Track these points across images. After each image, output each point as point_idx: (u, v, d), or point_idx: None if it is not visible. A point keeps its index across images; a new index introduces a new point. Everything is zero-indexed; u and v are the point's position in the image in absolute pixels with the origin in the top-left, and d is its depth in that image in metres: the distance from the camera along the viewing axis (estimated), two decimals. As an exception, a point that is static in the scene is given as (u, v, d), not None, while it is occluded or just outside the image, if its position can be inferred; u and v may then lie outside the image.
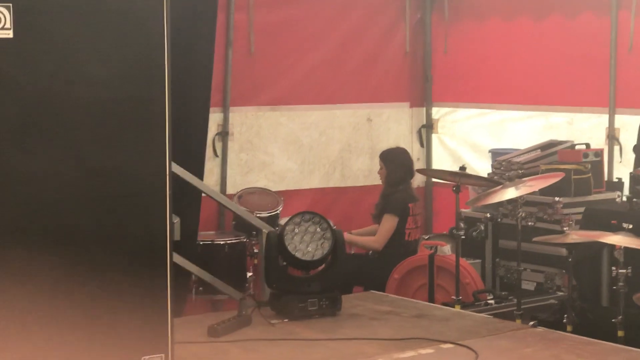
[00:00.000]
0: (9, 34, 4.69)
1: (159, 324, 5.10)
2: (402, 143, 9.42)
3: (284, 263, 6.27)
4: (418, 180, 9.60)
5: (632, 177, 7.09)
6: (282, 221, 7.70)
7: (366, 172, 9.20)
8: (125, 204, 4.99)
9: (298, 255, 6.17)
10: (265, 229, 6.74)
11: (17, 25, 4.70)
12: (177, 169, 5.23)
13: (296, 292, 6.16)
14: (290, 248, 6.16)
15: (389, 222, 8.24)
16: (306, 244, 6.21)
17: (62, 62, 4.83)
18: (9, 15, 4.69)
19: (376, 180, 8.70)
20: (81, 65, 4.87)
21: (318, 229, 6.27)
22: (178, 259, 5.34)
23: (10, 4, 4.68)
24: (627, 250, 6.20)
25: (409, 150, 9.17)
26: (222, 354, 5.47)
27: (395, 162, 8.50)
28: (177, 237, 5.21)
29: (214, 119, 8.29)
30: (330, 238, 6.25)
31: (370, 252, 8.20)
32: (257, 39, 8.87)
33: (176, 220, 5.17)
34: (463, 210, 7.85)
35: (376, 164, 8.72)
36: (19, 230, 4.76)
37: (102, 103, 4.91)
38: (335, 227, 6.37)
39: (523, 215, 7.28)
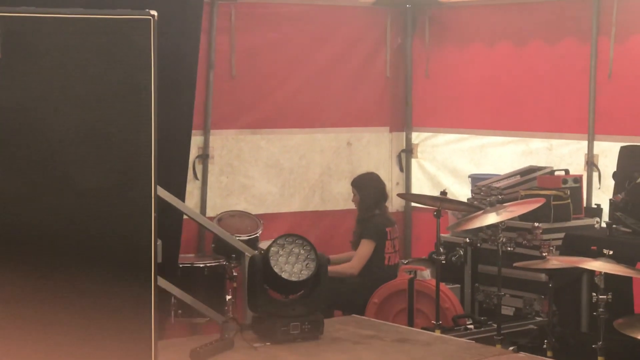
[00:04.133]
0: (-4, 55, 4.71)
1: (142, 348, 5.11)
2: (382, 167, 9.46)
3: (266, 287, 6.27)
4: (397, 204, 9.63)
5: (612, 203, 7.12)
6: (262, 244, 7.71)
7: (346, 196, 9.17)
8: (110, 225, 5.00)
9: (284, 276, 6.17)
10: (248, 252, 6.72)
11: (6, 45, 4.71)
12: (160, 191, 5.22)
13: (279, 315, 6.16)
14: (276, 269, 6.16)
15: (366, 247, 8.25)
16: (291, 265, 6.22)
17: (50, 84, 4.84)
18: (-3, 35, 4.70)
19: (353, 206, 8.71)
20: (69, 86, 4.88)
21: (302, 251, 6.28)
22: (160, 281, 5.32)
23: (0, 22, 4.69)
24: (608, 276, 6.21)
25: (387, 176, 9.22)
26: (204, 377, 5.47)
27: (367, 187, 8.51)
28: (159, 259, 5.19)
29: (195, 141, 8.27)
30: (314, 259, 6.27)
31: (348, 277, 8.20)
32: (239, 62, 8.89)
33: (158, 242, 5.16)
34: (442, 235, 7.87)
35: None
36: (3, 250, 4.78)
37: (89, 124, 4.93)
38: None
39: (504, 240, 7.33)
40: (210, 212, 8.69)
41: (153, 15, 5.03)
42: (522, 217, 7.44)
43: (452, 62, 9.52)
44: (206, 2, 7.95)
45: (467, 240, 8.07)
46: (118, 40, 4.98)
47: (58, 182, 4.88)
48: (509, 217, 7.14)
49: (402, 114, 9.91)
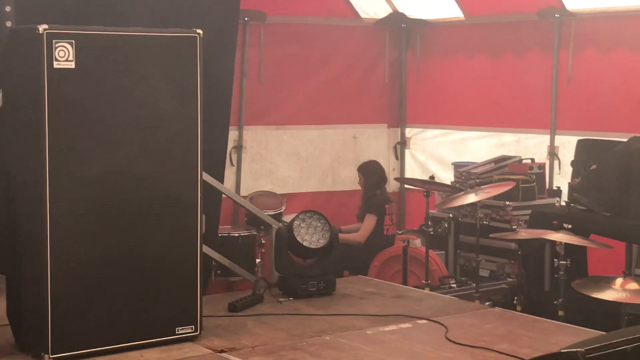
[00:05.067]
0: (72, 65, 4.72)
1: (190, 302, 5.16)
2: (381, 157, 9.47)
3: (289, 252, 6.30)
4: (394, 186, 9.65)
5: (570, 186, 7.13)
6: (286, 218, 7.75)
7: (352, 179, 9.20)
8: (165, 203, 5.04)
9: (305, 244, 6.20)
10: (274, 224, 6.76)
11: (78, 58, 4.73)
12: (204, 176, 5.25)
13: (299, 275, 6.19)
14: (299, 239, 6.19)
15: (370, 220, 8.30)
16: (310, 235, 6.26)
17: (116, 88, 4.87)
18: (71, 49, 4.71)
19: (359, 187, 8.74)
20: (131, 90, 4.91)
21: (319, 224, 6.31)
22: (203, 248, 5.36)
23: (73, 40, 4.71)
24: (567, 245, 6.24)
25: (386, 163, 9.24)
26: (240, 325, 5.48)
27: (370, 172, 8.57)
28: (203, 230, 5.23)
29: (231, 135, 8.28)
30: (329, 230, 6.30)
31: (354, 244, 8.22)
32: (266, 71, 8.92)
33: (203, 216, 5.19)
34: (431, 211, 7.90)
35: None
36: (79, 224, 4.82)
37: (147, 122, 4.96)
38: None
39: (481, 216, 7.36)
40: (243, 192, 8.73)
41: (199, 34, 5.07)
42: (496, 197, 7.45)
43: (438, 70, 9.54)
44: (240, 22, 7.97)
45: (451, 215, 8.10)
46: (171, 53, 5.02)
47: (123, 169, 4.92)
48: (485, 197, 7.17)
49: (398, 113, 9.92)
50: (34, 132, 4.68)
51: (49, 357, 4.73)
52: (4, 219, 4.96)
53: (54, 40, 4.65)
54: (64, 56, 4.68)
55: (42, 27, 4.63)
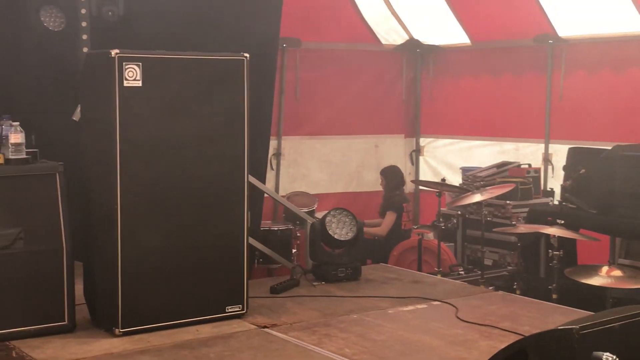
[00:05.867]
0: (139, 84, 4.75)
1: (238, 285, 5.17)
2: (399, 162, 9.43)
3: (322, 243, 6.30)
4: (410, 187, 9.62)
5: (562, 187, 7.09)
6: (318, 215, 7.75)
7: (374, 182, 9.19)
8: (217, 201, 5.06)
9: (336, 236, 6.21)
10: (309, 220, 6.76)
11: (145, 77, 4.76)
12: (250, 178, 5.26)
13: (331, 263, 6.19)
14: (330, 232, 6.20)
15: (390, 217, 8.28)
16: (340, 229, 6.26)
17: (175, 103, 4.89)
18: (139, 70, 4.74)
19: (380, 188, 8.73)
20: (189, 105, 4.94)
21: (347, 219, 6.31)
22: (250, 240, 5.37)
23: (140, 63, 4.74)
24: (560, 238, 6.22)
25: (403, 168, 9.21)
26: (280, 305, 5.49)
27: (390, 175, 8.56)
28: (248, 224, 5.24)
29: (272, 144, 8.30)
30: (355, 225, 6.30)
31: (377, 237, 8.22)
32: (301, 89, 8.93)
33: (248, 212, 5.21)
34: (442, 209, 7.89)
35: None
36: (145, 217, 4.85)
37: (202, 133, 4.98)
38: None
39: (485, 213, 7.34)
40: (281, 192, 8.73)
41: (246, 57, 5.08)
42: (498, 197, 7.41)
43: (448, 89, 9.53)
44: (280, 48, 7.98)
45: (459, 212, 8.06)
46: (222, 74, 5.04)
47: (181, 171, 4.95)
48: (489, 197, 7.15)
49: (413, 125, 9.90)
50: (107, 139, 4.72)
51: (119, 331, 4.77)
52: (81, 213, 5.01)
53: (124, 63, 4.68)
54: (133, 76, 4.72)
55: (114, 52, 4.66)
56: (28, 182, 4.76)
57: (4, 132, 4.81)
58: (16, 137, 4.78)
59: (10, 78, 6.11)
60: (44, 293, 4.76)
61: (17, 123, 4.82)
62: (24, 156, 4.80)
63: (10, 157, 4.76)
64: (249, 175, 5.23)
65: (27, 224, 4.71)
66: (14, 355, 4.47)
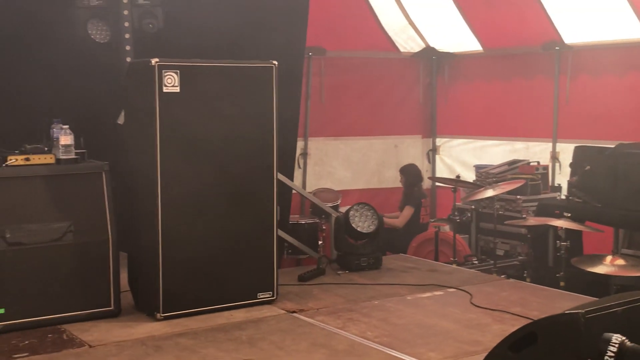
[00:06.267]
0: (177, 89, 4.77)
1: (268, 273, 5.18)
2: (417, 161, 9.41)
3: (345, 235, 6.29)
4: (427, 184, 9.58)
5: (569, 183, 7.04)
6: (342, 209, 7.75)
7: (394, 179, 9.16)
8: (249, 196, 5.07)
9: (359, 229, 6.21)
10: (334, 214, 6.75)
11: (182, 84, 4.79)
12: (278, 175, 5.27)
13: (354, 253, 6.19)
14: (353, 225, 6.20)
15: (408, 211, 8.24)
16: (363, 222, 6.26)
17: (211, 108, 4.91)
18: (177, 77, 4.76)
19: (399, 184, 8.71)
20: (222, 108, 4.95)
21: (369, 213, 6.31)
22: (279, 232, 5.38)
23: (178, 70, 4.76)
24: (566, 230, 6.19)
25: (421, 166, 9.17)
26: (308, 292, 5.50)
27: (409, 172, 8.50)
28: (278, 218, 5.25)
29: (299, 144, 8.36)
30: (376, 218, 6.29)
31: (396, 229, 8.20)
32: (326, 94, 8.94)
33: (277, 207, 5.21)
34: (457, 203, 7.84)
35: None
36: (184, 211, 4.87)
37: (236, 134, 5.00)
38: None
39: (497, 207, 7.30)
40: (308, 188, 8.75)
41: (274, 64, 5.09)
42: (509, 192, 7.38)
43: (462, 92, 9.48)
44: (305, 57, 8.00)
45: (473, 207, 8.00)
46: (252, 80, 5.05)
47: (216, 169, 4.96)
48: (501, 192, 7.11)
49: (430, 126, 9.86)
50: (148, 140, 4.75)
51: (160, 315, 4.80)
52: (126, 208, 5.04)
53: (163, 70, 4.71)
54: (171, 83, 4.74)
55: (154, 60, 4.69)
56: (77, 180, 4.80)
57: (55, 135, 4.87)
58: (66, 139, 4.82)
59: (61, 86, 6.16)
60: (92, 281, 4.80)
61: (67, 126, 4.86)
62: (73, 156, 4.84)
63: (61, 157, 4.81)
64: (278, 173, 5.24)
65: (76, 218, 4.75)
66: (65, 337, 4.51)
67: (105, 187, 4.85)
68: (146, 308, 4.92)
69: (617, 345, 3.03)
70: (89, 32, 6.15)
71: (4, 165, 4.66)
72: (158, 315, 4.80)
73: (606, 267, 5.30)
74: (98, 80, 6.19)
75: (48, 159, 4.76)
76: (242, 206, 5.03)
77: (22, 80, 6.03)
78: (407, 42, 9.49)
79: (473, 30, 8.86)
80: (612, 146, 6.70)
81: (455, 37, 9.14)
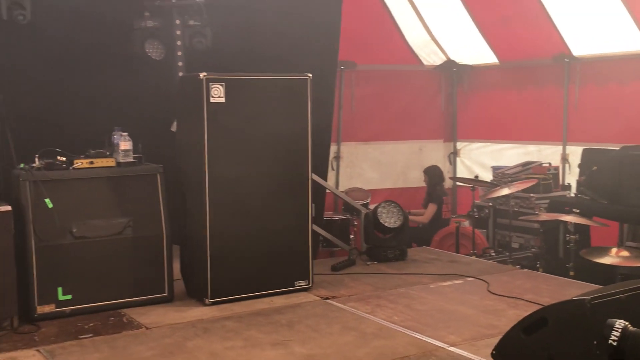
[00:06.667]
0: (223, 100, 4.79)
1: (304, 263, 5.18)
2: (439, 162, 9.33)
3: (374, 230, 6.26)
4: (448, 183, 9.50)
5: (578, 182, 6.93)
6: (371, 207, 7.71)
7: (418, 179, 9.10)
8: (287, 194, 5.07)
9: (386, 224, 6.17)
10: (364, 210, 6.71)
11: (227, 95, 4.80)
12: (313, 176, 5.26)
13: (382, 246, 6.16)
14: (381, 220, 6.17)
15: (432, 208, 8.18)
16: (389, 218, 6.22)
17: (252, 115, 4.92)
18: (222, 89, 4.78)
19: (423, 184, 8.65)
20: (263, 117, 4.95)
21: (395, 210, 6.27)
22: (314, 227, 5.37)
23: (223, 83, 4.78)
24: (575, 224, 6.10)
25: (442, 167, 9.08)
26: (339, 281, 5.49)
27: (432, 173, 8.44)
28: (313, 214, 5.24)
29: (332, 148, 8.37)
30: (402, 215, 6.25)
31: (420, 224, 8.15)
32: (356, 103, 8.91)
33: (313, 205, 5.20)
34: (476, 201, 7.77)
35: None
36: (228, 207, 4.88)
37: (275, 139, 5.00)
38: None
39: (512, 204, 7.21)
40: (340, 188, 8.73)
41: (309, 76, 5.09)
42: (523, 190, 7.28)
43: (480, 101, 9.39)
44: (338, 70, 7.94)
45: (490, 204, 7.92)
46: (289, 90, 5.05)
47: (257, 171, 4.96)
48: (515, 190, 7.02)
49: (451, 132, 9.78)
50: (197, 146, 4.78)
51: (209, 301, 4.82)
52: (178, 205, 5.07)
53: (210, 83, 4.74)
54: (217, 94, 4.76)
55: (202, 74, 4.72)
56: (135, 181, 4.84)
57: (115, 141, 4.91)
58: (125, 144, 4.87)
59: (122, 98, 6.22)
60: (148, 270, 4.84)
61: (126, 133, 4.91)
62: (132, 160, 4.89)
63: (121, 160, 4.85)
64: (313, 174, 5.23)
65: (134, 215, 4.79)
66: (124, 320, 4.55)
67: (159, 187, 4.89)
68: (196, 294, 4.94)
69: (620, 330, 2.97)
70: (146, 50, 6.18)
71: (71, 168, 4.71)
72: (207, 300, 4.82)
73: (612, 258, 5.22)
74: (154, 92, 6.23)
75: (110, 162, 4.81)
76: (280, 204, 5.03)
77: (88, 94, 6.09)
78: (429, 56, 9.43)
79: (490, 44, 8.78)
80: (617, 148, 6.58)
81: (474, 50, 9.05)
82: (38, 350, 4.01)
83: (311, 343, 4.12)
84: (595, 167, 6.66)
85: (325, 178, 7.03)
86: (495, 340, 3.56)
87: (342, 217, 7.60)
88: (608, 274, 5.58)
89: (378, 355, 3.92)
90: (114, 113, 5.99)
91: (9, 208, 4.23)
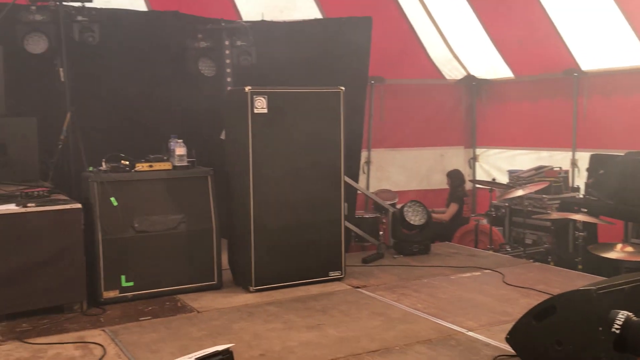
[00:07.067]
0: (265, 111, 4.81)
1: (338, 256, 5.17)
2: (460, 167, 9.21)
3: (401, 227, 6.22)
4: (468, 185, 9.35)
5: (586, 184, 6.80)
6: (398, 206, 7.66)
7: (440, 182, 9.01)
8: (321, 195, 5.06)
9: (412, 222, 6.14)
10: (392, 209, 6.69)
11: (269, 106, 4.82)
12: (346, 178, 5.25)
13: (407, 241, 6.12)
14: (407, 218, 6.14)
15: (453, 207, 8.09)
16: (415, 216, 6.18)
17: (291, 124, 4.92)
18: (265, 101, 4.80)
19: (445, 186, 8.57)
20: (301, 125, 4.95)
21: (419, 209, 6.23)
22: (347, 223, 5.36)
23: (266, 95, 4.80)
24: (584, 222, 5.98)
25: (464, 171, 9.00)
26: (369, 272, 5.47)
27: (454, 176, 8.36)
28: (345, 212, 5.23)
29: (363, 154, 8.31)
30: (426, 213, 6.21)
31: (442, 222, 8.07)
32: (385, 113, 8.85)
33: (345, 204, 5.20)
34: (493, 201, 7.67)
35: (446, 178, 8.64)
36: (273, 207, 4.90)
37: (311, 145, 4.99)
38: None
39: (526, 204, 7.10)
40: (371, 189, 8.66)
41: (342, 89, 5.08)
42: (537, 192, 7.14)
43: (497, 111, 9.25)
44: (368, 84, 7.96)
45: (507, 204, 7.78)
46: (324, 102, 5.03)
47: (295, 173, 4.96)
48: (529, 191, 6.90)
49: (470, 139, 9.66)
50: (243, 151, 4.81)
51: (253, 288, 4.84)
52: (226, 204, 5.10)
53: (254, 96, 4.76)
54: (260, 105, 4.79)
55: (247, 88, 4.75)
56: (188, 182, 4.89)
57: (172, 147, 4.97)
58: (180, 150, 4.93)
59: (178, 109, 6.30)
60: (200, 261, 4.88)
61: (181, 140, 4.96)
62: (186, 164, 4.94)
63: (176, 164, 4.91)
64: (345, 176, 5.23)
65: (187, 212, 4.84)
66: (179, 305, 4.59)
67: (210, 187, 4.93)
68: (242, 283, 4.97)
69: (623, 319, 2.93)
70: (200, 68, 6.27)
71: (133, 170, 4.78)
72: (251, 288, 4.84)
73: (617, 253, 5.10)
74: (206, 104, 6.30)
75: (166, 165, 4.87)
76: (316, 202, 5.03)
77: (148, 106, 6.18)
78: (451, 71, 9.35)
79: (505, 60, 8.67)
80: (622, 154, 6.45)
81: (491, 66, 8.94)
82: (103, 330, 4.08)
83: (343, 326, 4.11)
84: (602, 171, 6.53)
85: (356, 180, 7.01)
86: (509, 326, 3.53)
87: (372, 215, 7.55)
88: (613, 267, 5.47)
89: (403, 338, 3.90)
90: (171, 123, 6.07)
91: (79, 205, 4.30)
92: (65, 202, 4.31)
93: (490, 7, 8.10)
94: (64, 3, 5.23)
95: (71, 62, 5.28)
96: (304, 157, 4.96)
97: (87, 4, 5.35)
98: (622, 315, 2.94)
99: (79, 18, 5.30)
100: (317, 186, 5.02)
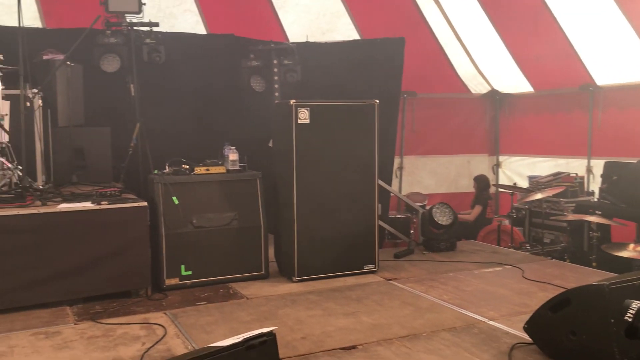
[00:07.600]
0: (308, 122, 4.80)
1: (372, 251, 5.11)
2: (485, 172, 9.04)
3: (430, 226, 6.14)
4: (492, 189, 9.20)
5: (600, 189, 6.61)
6: (427, 207, 7.56)
7: (467, 186, 8.88)
8: (358, 197, 5.01)
9: (440, 222, 6.04)
10: (422, 210, 6.60)
11: (311, 117, 4.81)
12: (379, 181, 5.21)
13: (435, 239, 6.03)
14: (436, 219, 6.04)
15: (478, 209, 7.95)
16: (442, 216, 6.08)
17: (330, 134, 4.89)
18: (308, 112, 4.80)
19: (471, 189, 8.42)
20: (339, 135, 4.91)
21: (447, 210, 6.13)
22: (380, 222, 5.31)
23: (309, 107, 4.79)
24: (598, 224, 5.82)
25: (489, 176, 8.84)
26: (400, 265, 5.41)
27: (480, 181, 8.20)
28: (379, 212, 5.18)
29: (396, 160, 8.26)
30: (452, 214, 6.11)
31: (468, 222, 7.93)
32: (417, 124, 8.77)
33: (379, 205, 5.15)
34: (514, 204, 7.50)
35: (472, 182, 8.48)
36: (314, 207, 4.88)
37: (348, 152, 4.95)
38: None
39: (545, 206, 6.92)
40: (403, 192, 8.59)
41: (376, 102, 5.03)
42: (554, 196, 6.97)
43: (519, 122, 9.08)
44: (401, 98, 7.89)
45: (527, 206, 7.61)
46: (360, 114, 4.99)
47: (335, 177, 4.92)
48: (547, 195, 6.73)
49: (494, 147, 9.49)
50: (288, 157, 4.81)
51: (296, 279, 4.83)
52: (273, 204, 5.12)
53: (298, 108, 4.76)
54: (304, 117, 4.78)
55: (292, 101, 4.75)
56: (240, 184, 4.92)
57: (226, 153, 5.01)
58: (233, 155, 4.97)
59: (232, 120, 6.37)
60: (249, 254, 4.90)
61: (234, 147, 5.00)
62: (238, 168, 4.98)
63: (229, 168, 4.95)
64: (379, 180, 5.18)
65: (239, 210, 4.87)
66: (231, 292, 4.62)
67: (259, 189, 4.95)
68: (286, 273, 4.98)
69: (637, 308, 2.84)
70: (251, 84, 6.32)
71: (192, 173, 4.84)
72: (294, 278, 4.84)
73: (629, 252, 4.94)
74: (256, 116, 6.34)
75: (221, 169, 4.91)
76: (353, 203, 5.00)
77: (207, 117, 6.27)
78: (477, 86, 9.20)
79: (526, 76, 8.49)
80: (634, 161, 6.24)
81: (513, 81, 8.78)
82: (165, 313, 4.13)
83: (376, 314, 4.07)
84: (615, 177, 6.33)
85: (390, 184, 6.97)
86: (527, 317, 3.45)
87: (403, 215, 7.49)
88: (625, 265, 5.29)
89: (430, 326, 3.84)
90: (225, 132, 6.14)
91: (145, 204, 4.37)
92: (133, 200, 4.39)
93: (513, 27, 7.95)
94: (135, 28, 5.35)
95: (140, 79, 5.39)
96: (342, 162, 4.94)
97: (155, 29, 5.47)
98: (635, 304, 2.86)
99: (148, 41, 5.43)
100: (354, 188, 4.99)
